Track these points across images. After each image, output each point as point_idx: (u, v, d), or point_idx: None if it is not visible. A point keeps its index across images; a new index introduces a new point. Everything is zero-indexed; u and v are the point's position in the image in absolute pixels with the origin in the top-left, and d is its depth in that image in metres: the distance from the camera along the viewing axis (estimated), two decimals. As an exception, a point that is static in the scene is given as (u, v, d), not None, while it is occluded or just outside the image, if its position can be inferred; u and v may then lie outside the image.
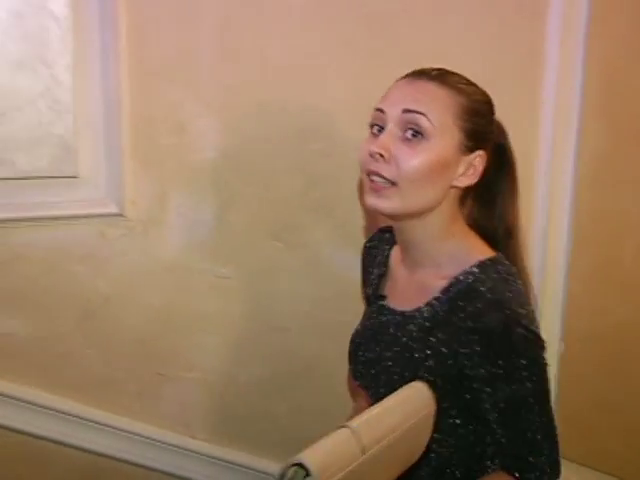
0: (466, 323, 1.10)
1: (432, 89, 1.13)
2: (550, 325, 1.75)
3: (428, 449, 1.16)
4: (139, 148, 1.40)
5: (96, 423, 1.48)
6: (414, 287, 1.22)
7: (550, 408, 1.15)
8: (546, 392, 1.15)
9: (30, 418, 1.44)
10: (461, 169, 1.15)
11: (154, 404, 1.52)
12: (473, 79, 1.15)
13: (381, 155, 1.10)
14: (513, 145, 1.22)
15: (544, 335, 1.12)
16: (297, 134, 1.49)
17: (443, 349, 1.12)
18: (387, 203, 1.13)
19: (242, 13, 1.40)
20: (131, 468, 1.53)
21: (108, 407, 1.49)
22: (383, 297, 1.28)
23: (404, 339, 1.19)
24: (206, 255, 1.50)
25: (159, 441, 1.53)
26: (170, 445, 1.55)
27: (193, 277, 1.49)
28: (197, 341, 1.54)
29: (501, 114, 1.18)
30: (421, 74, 1.15)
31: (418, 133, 1.10)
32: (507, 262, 1.18)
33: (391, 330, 1.22)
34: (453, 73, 1.18)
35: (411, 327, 1.18)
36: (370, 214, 1.52)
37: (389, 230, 1.33)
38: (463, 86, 1.17)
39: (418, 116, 1.10)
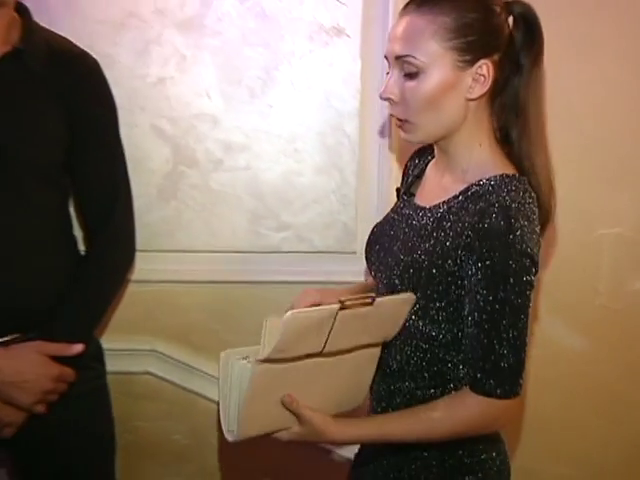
0: (472, 219, 1.13)
1: (414, 22, 1.16)
2: None
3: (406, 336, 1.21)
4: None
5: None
6: (439, 189, 1.27)
7: (525, 329, 1.13)
8: (525, 309, 1.13)
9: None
10: (468, 82, 1.17)
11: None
12: None
13: (392, 99, 1.20)
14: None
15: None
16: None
17: (447, 242, 1.17)
18: (411, 135, 1.23)
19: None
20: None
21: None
22: (412, 194, 1.34)
23: (415, 230, 1.25)
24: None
25: None
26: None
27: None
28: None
29: None
30: (406, 6, 1.19)
31: (414, 72, 1.16)
32: (527, 185, 1.18)
33: (408, 221, 1.28)
34: None
35: (425, 220, 1.24)
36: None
37: None
38: (444, 5, 1.16)
39: (407, 58, 1.16)
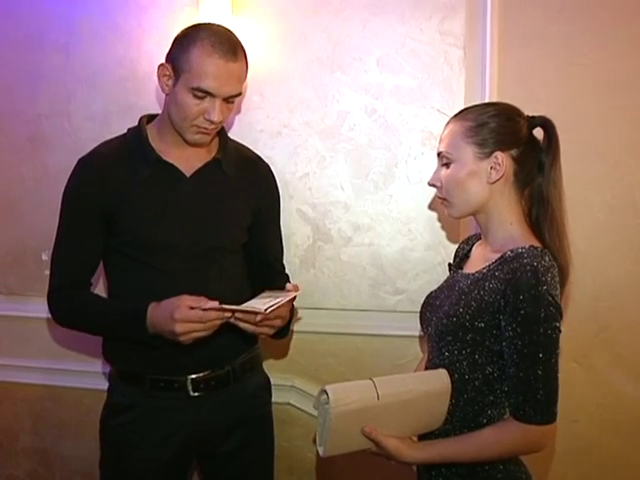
0: (506, 277, 1.33)
1: (450, 128, 1.48)
2: None
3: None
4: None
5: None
6: (481, 259, 1.49)
7: (555, 366, 1.30)
8: (554, 350, 1.30)
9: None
10: (487, 169, 1.41)
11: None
12: None
13: (436, 185, 1.50)
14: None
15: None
16: None
17: (486, 297, 1.35)
18: (451, 211, 1.50)
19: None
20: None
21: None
22: (461, 267, 1.58)
23: (462, 290, 1.44)
24: None
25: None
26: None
27: None
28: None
29: None
30: (450, 118, 1.50)
31: (447, 162, 1.46)
32: (550, 256, 1.37)
33: (456, 285, 1.49)
34: (473, 107, 1.48)
35: (469, 281, 1.44)
36: None
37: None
38: (470, 113, 1.45)
39: (443, 153, 1.47)
